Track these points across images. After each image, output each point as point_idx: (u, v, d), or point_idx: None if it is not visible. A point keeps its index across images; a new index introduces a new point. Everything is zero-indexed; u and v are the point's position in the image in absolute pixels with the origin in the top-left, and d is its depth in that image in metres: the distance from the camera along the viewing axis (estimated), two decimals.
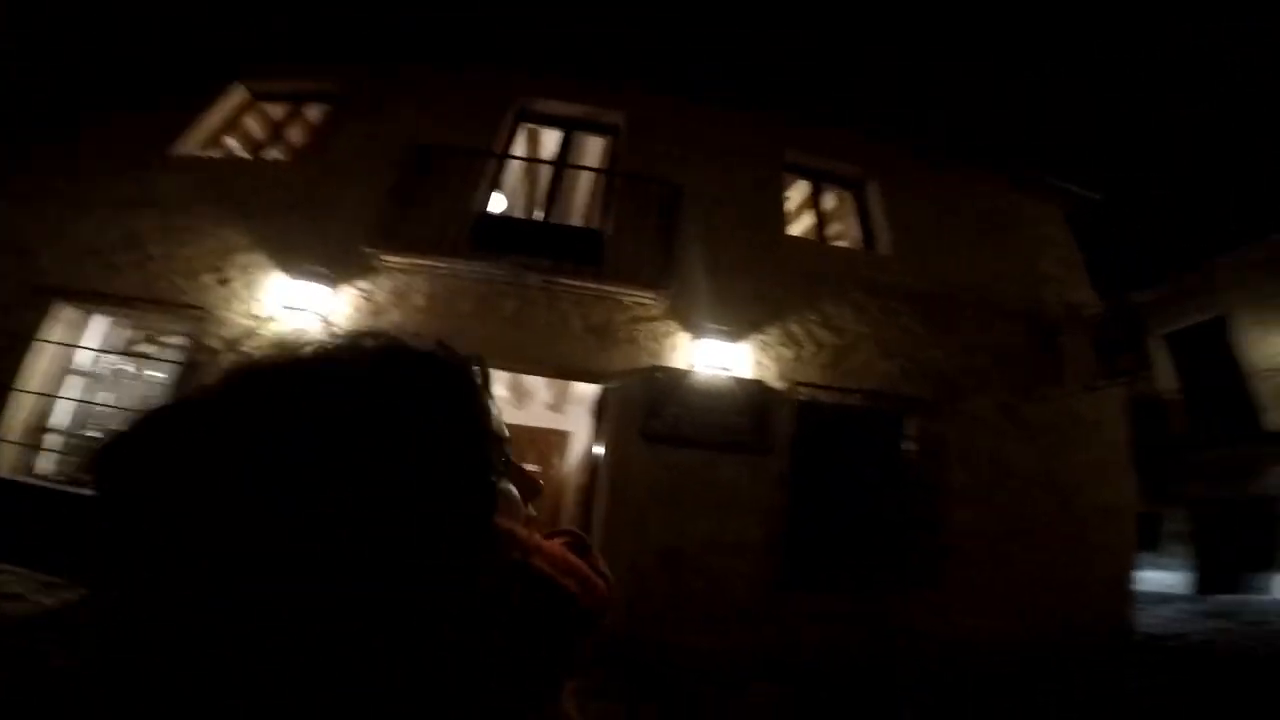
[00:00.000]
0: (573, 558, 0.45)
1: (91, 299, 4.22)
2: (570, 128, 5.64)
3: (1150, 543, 8.90)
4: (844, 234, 6.34)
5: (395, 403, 0.36)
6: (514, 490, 0.43)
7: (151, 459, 0.35)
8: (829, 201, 6.34)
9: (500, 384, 5.82)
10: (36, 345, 4.06)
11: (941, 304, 5.51)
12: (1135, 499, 5.52)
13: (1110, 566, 5.03)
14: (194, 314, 4.11)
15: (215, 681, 0.30)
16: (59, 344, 4.13)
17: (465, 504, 0.36)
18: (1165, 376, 8.97)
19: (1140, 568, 8.40)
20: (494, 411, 0.43)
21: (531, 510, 0.47)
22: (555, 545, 0.46)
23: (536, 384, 6.10)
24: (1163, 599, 7.82)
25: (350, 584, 0.31)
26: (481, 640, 0.36)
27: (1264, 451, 7.74)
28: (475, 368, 0.43)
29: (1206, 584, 8.35)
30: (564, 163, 5.41)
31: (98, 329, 4.43)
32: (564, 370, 4.49)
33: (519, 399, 6.59)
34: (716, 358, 4.64)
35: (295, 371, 0.38)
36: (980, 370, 5.37)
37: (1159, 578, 8.86)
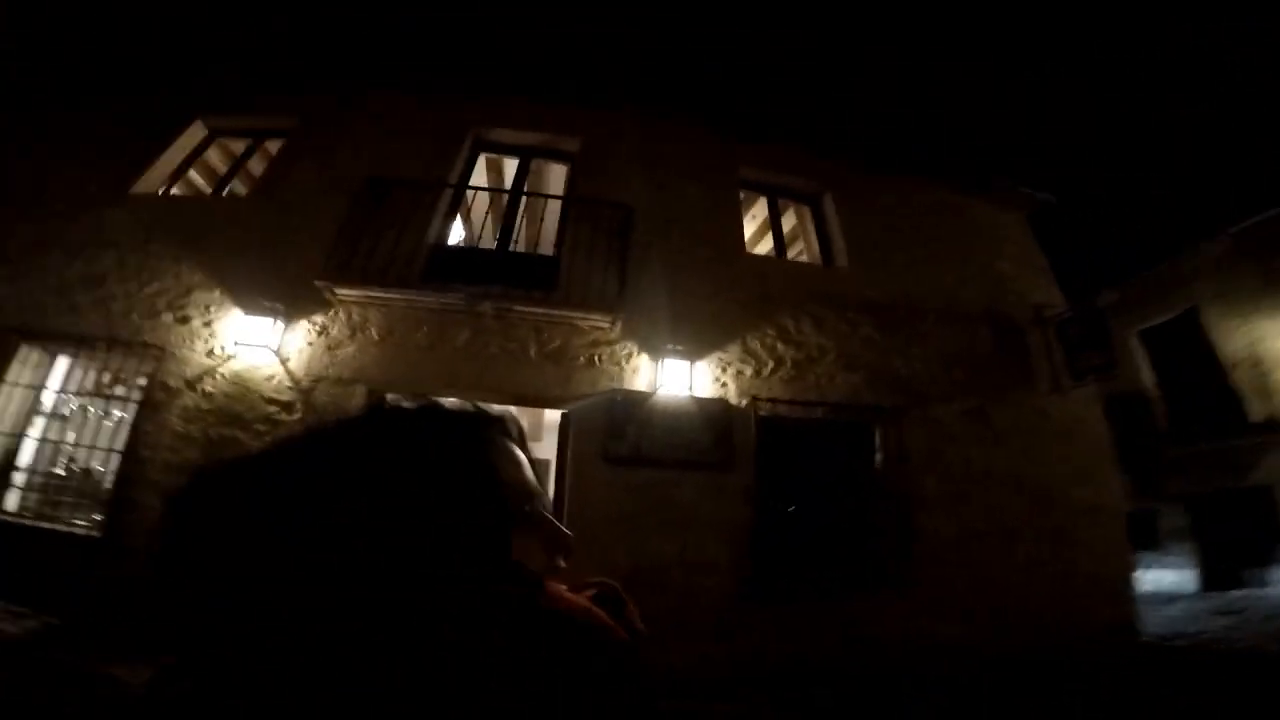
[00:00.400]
0: (582, 604, 0.47)
1: (55, 339, 4.30)
2: (528, 155, 5.75)
3: (1150, 542, 8.77)
4: (802, 249, 6.41)
5: (424, 449, 0.44)
6: (532, 536, 0.49)
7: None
8: (786, 217, 6.42)
9: None
10: (4, 388, 4.14)
11: (902, 313, 5.55)
12: (1121, 497, 5.48)
13: (1098, 566, 4.98)
14: (153, 353, 4.19)
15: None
16: (25, 386, 4.21)
17: (475, 529, 0.42)
18: (1145, 374, 8.93)
19: (1142, 567, 8.26)
20: (522, 460, 0.50)
21: (560, 562, 0.53)
22: (565, 591, 0.48)
23: (513, 414, 6.13)
24: (1169, 598, 7.68)
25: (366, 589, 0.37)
26: (482, 649, 0.39)
27: (1253, 443, 7.66)
28: (509, 424, 0.51)
29: (1211, 580, 8.20)
30: (519, 190, 5.52)
31: (61, 369, 4.51)
32: (522, 397, 4.51)
33: None
34: (676, 378, 4.67)
35: (345, 426, 0.47)
36: (946, 377, 5.40)
37: (1163, 577, 8.71)
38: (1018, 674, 4.32)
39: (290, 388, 4.22)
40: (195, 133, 5.58)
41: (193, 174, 5.69)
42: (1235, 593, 7.63)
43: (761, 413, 4.86)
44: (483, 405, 0.56)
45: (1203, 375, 8.26)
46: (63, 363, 4.56)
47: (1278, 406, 7.60)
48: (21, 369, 4.27)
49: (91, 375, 4.48)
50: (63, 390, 4.50)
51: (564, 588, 0.48)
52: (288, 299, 4.32)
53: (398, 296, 4.47)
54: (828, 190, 6.14)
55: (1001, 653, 4.46)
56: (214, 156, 5.80)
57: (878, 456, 5.04)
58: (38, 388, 4.34)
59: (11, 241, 4.58)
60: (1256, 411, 7.68)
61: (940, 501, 4.90)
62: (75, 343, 4.30)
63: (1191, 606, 7.29)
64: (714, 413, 4.73)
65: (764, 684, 4.08)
